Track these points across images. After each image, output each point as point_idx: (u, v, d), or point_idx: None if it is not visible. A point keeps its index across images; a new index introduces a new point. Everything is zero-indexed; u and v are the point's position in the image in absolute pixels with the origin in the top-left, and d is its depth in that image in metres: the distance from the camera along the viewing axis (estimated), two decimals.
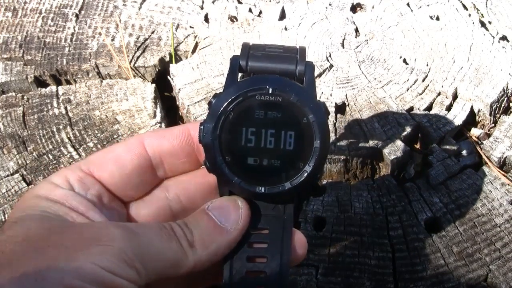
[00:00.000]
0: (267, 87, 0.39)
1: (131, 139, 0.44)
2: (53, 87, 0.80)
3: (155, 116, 0.75)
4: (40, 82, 0.83)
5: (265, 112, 0.40)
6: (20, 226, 0.37)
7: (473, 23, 0.83)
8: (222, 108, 0.40)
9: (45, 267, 0.32)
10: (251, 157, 0.40)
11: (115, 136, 0.73)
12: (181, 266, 0.36)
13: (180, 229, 0.38)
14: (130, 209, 0.44)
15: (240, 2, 0.92)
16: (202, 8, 0.92)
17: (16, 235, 0.36)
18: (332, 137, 0.70)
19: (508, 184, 0.66)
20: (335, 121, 0.72)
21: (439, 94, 0.75)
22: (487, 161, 0.69)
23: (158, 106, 0.77)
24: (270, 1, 0.92)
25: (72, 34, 0.87)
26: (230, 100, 0.40)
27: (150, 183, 0.45)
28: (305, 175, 0.40)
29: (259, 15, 0.89)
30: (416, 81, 0.76)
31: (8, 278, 0.31)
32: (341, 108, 0.74)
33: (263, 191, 0.40)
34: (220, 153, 0.40)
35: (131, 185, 0.43)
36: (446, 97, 0.74)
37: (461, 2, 0.88)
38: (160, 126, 0.74)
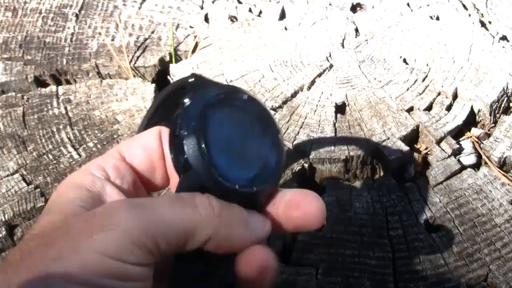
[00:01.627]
0: None
1: (152, 129, 0.42)
2: (53, 87, 0.80)
3: None
4: (40, 82, 0.83)
5: None
6: (41, 218, 0.36)
7: (473, 23, 0.83)
8: None
9: (50, 262, 0.31)
10: None
11: (115, 136, 0.73)
12: (196, 233, 0.34)
13: (207, 199, 0.36)
14: None
15: (240, 2, 0.92)
16: (202, 8, 0.92)
17: (34, 228, 0.35)
18: (333, 137, 0.70)
19: (508, 184, 0.66)
20: (335, 121, 0.72)
21: (439, 94, 0.75)
22: (487, 161, 0.69)
23: None
24: (270, 1, 0.92)
25: (72, 34, 0.87)
26: None
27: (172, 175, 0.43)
28: None
29: (259, 15, 0.89)
30: (416, 81, 0.76)
31: (16, 281, 0.30)
32: (341, 108, 0.74)
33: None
34: None
35: (157, 173, 0.42)
36: (446, 97, 0.74)
37: (461, 2, 0.88)
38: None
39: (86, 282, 0.30)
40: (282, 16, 0.88)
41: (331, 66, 0.80)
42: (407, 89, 0.75)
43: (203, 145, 0.35)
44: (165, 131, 0.41)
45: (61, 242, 0.32)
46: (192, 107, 0.36)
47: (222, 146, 0.37)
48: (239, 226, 0.36)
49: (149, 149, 0.41)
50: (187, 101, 0.37)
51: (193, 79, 0.39)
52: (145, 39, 0.86)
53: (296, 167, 0.68)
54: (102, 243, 0.31)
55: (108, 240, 0.31)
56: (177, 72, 0.80)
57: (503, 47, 0.80)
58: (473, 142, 0.71)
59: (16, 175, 0.69)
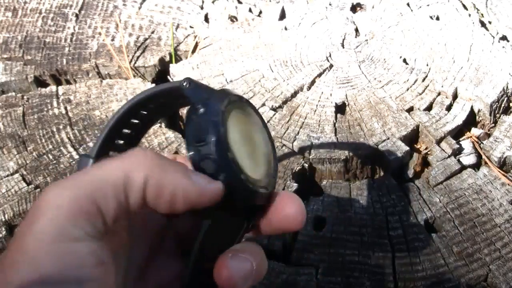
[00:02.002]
0: None
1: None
2: (53, 87, 0.80)
3: None
4: (40, 82, 0.83)
5: None
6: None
7: (473, 23, 0.83)
8: None
9: (7, 270, 0.29)
10: None
11: None
12: (131, 179, 0.32)
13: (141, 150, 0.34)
14: None
15: (240, 2, 0.92)
16: (202, 8, 0.92)
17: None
18: (332, 137, 0.70)
19: (508, 184, 0.66)
20: (335, 121, 0.72)
21: (439, 94, 0.75)
22: (487, 161, 0.69)
23: None
24: (270, 1, 0.92)
25: (72, 34, 0.87)
26: None
27: None
28: None
29: (259, 15, 0.89)
30: (416, 81, 0.76)
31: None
32: (341, 108, 0.74)
33: None
34: None
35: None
36: (446, 97, 0.74)
37: (461, 2, 0.88)
38: (160, 126, 0.74)
39: (38, 281, 0.28)
40: (282, 16, 0.88)
41: (331, 66, 0.80)
42: (407, 89, 0.75)
43: (233, 150, 0.35)
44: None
45: (12, 249, 0.30)
46: (211, 114, 0.35)
47: (240, 152, 0.36)
48: (176, 171, 0.33)
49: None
50: (200, 108, 0.36)
51: (187, 84, 0.38)
52: (145, 39, 0.86)
53: (296, 167, 0.68)
54: (40, 229, 0.29)
55: (45, 224, 0.29)
56: (177, 72, 0.80)
57: (503, 47, 0.80)
58: (473, 142, 0.71)
59: (16, 175, 0.69)
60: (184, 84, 0.36)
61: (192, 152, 0.35)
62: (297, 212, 0.38)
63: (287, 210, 0.38)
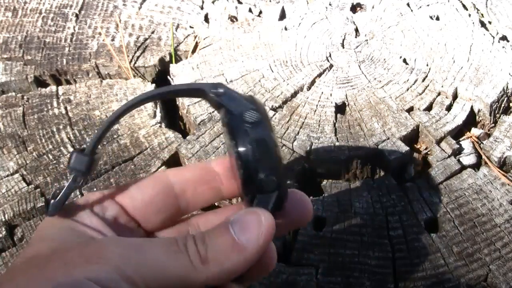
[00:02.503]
0: None
1: (155, 173, 0.44)
2: (53, 87, 0.80)
3: (155, 116, 0.75)
4: (40, 82, 0.83)
5: None
6: (31, 245, 0.38)
7: (473, 23, 0.83)
8: None
9: (44, 283, 0.32)
10: None
11: (115, 136, 0.73)
12: (190, 282, 0.34)
13: (194, 244, 0.36)
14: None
15: (240, 2, 0.92)
16: (202, 8, 0.92)
17: (26, 252, 0.36)
18: (332, 137, 0.70)
19: (508, 184, 0.66)
20: (335, 121, 0.72)
21: (439, 94, 0.75)
22: (487, 161, 0.69)
23: (158, 106, 0.77)
24: (270, 1, 0.92)
25: (72, 34, 0.87)
26: None
27: (173, 212, 0.44)
28: None
29: (259, 15, 0.89)
30: (416, 81, 0.76)
31: None
32: (341, 108, 0.74)
33: None
34: None
35: (153, 210, 0.43)
36: (446, 97, 0.74)
37: (461, 2, 0.88)
38: (160, 126, 0.74)
39: None
40: (282, 16, 0.88)
41: (331, 66, 0.80)
42: (407, 89, 0.75)
43: (277, 158, 0.38)
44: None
45: (56, 267, 0.33)
46: (265, 134, 0.38)
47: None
48: (229, 257, 0.35)
49: (143, 187, 0.43)
50: (248, 126, 0.38)
51: (222, 90, 0.39)
52: (145, 39, 0.86)
53: (296, 167, 0.68)
54: (94, 272, 0.32)
55: (101, 271, 0.32)
56: (177, 72, 0.80)
57: (503, 47, 0.80)
58: (473, 142, 0.71)
59: (16, 175, 0.69)
60: (219, 90, 0.38)
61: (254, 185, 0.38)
62: (308, 208, 0.42)
63: (299, 207, 0.41)
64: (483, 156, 0.70)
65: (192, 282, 0.34)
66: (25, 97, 0.78)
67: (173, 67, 0.81)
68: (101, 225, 0.40)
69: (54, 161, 0.71)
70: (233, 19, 0.89)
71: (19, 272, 0.34)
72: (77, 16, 0.90)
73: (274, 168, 0.38)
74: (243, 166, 0.37)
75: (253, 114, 0.37)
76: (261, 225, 0.36)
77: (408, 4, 0.88)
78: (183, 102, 0.76)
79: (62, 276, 0.32)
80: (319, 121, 0.72)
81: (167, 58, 0.84)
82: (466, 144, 0.71)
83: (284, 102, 0.75)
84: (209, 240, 0.36)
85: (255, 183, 0.37)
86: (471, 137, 0.72)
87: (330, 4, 0.89)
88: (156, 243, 0.36)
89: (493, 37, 0.81)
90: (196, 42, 0.87)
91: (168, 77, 0.81)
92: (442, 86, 0.75)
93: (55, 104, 0.77)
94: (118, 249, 0.34)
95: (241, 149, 0.37)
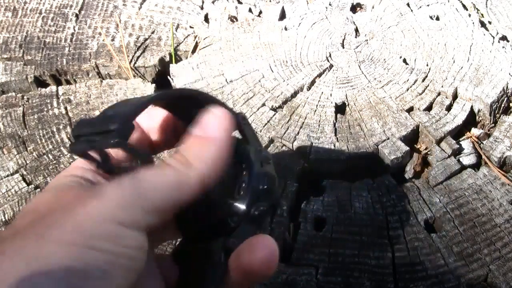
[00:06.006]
0: None
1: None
2: (53, 87, 0.80)
3: None
4: (40, 82, 0.83)
5: None
6: (35, 197, 0.37)
7: (473, 23, 0.83)
8: None
9: (46, 229, 0.31)
10: None
11: None
12: (185, 186, 0.36)
13: (173, 158, 0.38)
14: None
15: (240, 2, 0.92)
16: (202, 8, 0.92)
17: (28, 206, 0.37)
18: (332, 137, 0.70)
19: (508, 184, 0.66)
20: (335, 121, 0.72)
21: (439, 94, 0.75)
22: (487, 161, 0.69)
23: None
24: (270, 1, 0.92)
25: (72, 34, 0.87)
26: None
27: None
28: None
29: (259, 15, 0.89)
30: (416, 81, 0.76)
31: (11, 248, 0.31)
32: (341, 108, 0.74)
33: None
34: None
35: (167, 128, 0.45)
36: (446, 97, 0.74)
37: (461, 2, 0.88)
38: None
39: (82, 245, 0.31)
40: (282, 16, 0.88)
41: (331, 66, 0.80)
42: (407, 89, 0.75)
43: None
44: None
45: (57, 212, 0.33)
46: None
47: None
48: (205, 151, 0.38)
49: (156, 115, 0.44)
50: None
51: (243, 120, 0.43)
52: (145, 39, 0.86)
53: (296, 167, 0.68)
54: (96, 208, 0.32)
55: (103, 205, 0.32)
56: (177, 72, 0.80)
57: (503, 47, 0.80)
58: (473, 142, 0.71)
59: (16, 175, 0.69)
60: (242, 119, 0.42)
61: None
62: (270, 255, 0.40)
63: (260, 253, 0.39)
64: (483, 156, 0.70)
65: (190, 187, 0.36)
66: (25, 97, 0.78)
67: (173, 67, 0.81)
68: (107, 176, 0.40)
69: (54, 161, 0.71)
70: (233, 19, 0.89)
71: (22, 223, 0.34)
72: (77, 16, 0.90)
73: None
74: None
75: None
76: (216, 116, 0.39)
77: (408, 4, 0.88)
78: None
79: (63, 218, 0.32)
80: (319, 121, 0.72)
81: (167, 58, 0.84)
82: (466, 144, 0.71)
83: (284, 102, 0.75)
84: (182, 149, 0.38)
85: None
86: (471, 137, 0.72)
87: (330, 4, 0.89)
88: (147, 171, 0.36)
89: (493, 37, 0.81)
90: (196, 42, 0.87)
91: (168, 77, 0.81)
92: (442, 86, 0.75)
93: (55, 104, 0.77)
94: (115, 183, 0.34)
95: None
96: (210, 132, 0.38)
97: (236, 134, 0.42)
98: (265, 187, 0.40)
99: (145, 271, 0.37)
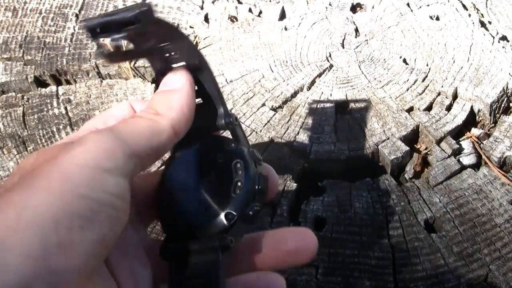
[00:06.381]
0: None
1: (122, 102, 0.46)
2: (53, 87, 0.80)
3: None
4: (40, 82, 0.83)
5: None
6: (21, 161, 0.39)
7: (473, 23, 0.83)
8: None
9: (33, 180, 0.32)
10: None
11: None
12: (159, 131, 0.38)
13: (144, 111, 0.40)
14: None
15: (240, 2, 0.92)
16: (202, 8, 0.92)
17: (14, 170, 0.38)
18: (332, 137, 0.70)
19: (508, 184, 0.66)
20: (335, 121, 0.72)
21: (439, 94, 0.75)
22: (487, 161, 0.69)
23: None
24: (270, 1, 0.92)
25: (72, 34, 0.87)
26: None
27: None
28: None
29: (259, 15, 0.89)
30: (416, 81, 0.76)
31: None
32: (341, 108, 0.74)
33: None
34: None
35: None
36: (446, 97, 0.74)
37: (461, 2, 0.88)
38: None
39: (69, 192, 0.31)
40: (282, 16, 0.88)
41: (331, 66, 0.80)
42: (407, 89, 0.75)
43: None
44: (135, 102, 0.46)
45: (42, 165, 0.33)
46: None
47: None
48: (171, 100, 0.41)
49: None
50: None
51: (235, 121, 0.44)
52: None
53: (296, 167, 0.68)
54: (80, 155, 0.33)
55: (86, 151, 0.33)
56: None
57: (503, 47, 0.80)
58: (473, 142, 0.71)
59: None
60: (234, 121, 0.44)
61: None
62: (310, 243, 0.42)
63: (301, 242, 0.42)
64: (483, 156, 0.70)
65: (163, 131, 0.38)
66: (25, 97, 0.78)
67: None
68: None
69: None
70: (233, 19, 0.89)
71: (9, 182, 0.34)
72: (77, 16, 0.90)
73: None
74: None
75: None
76: (176, 72, 0.43)
77: (408, 4, 0.88)
78: None
79: (48, 169, 0.32)
80: (319, 121, 0.72)
81: None
82: (466, 144, 0.71)
83: (284, 102, 0.75)
84: (151, 103, 0.41)
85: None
86: (471, 137, 0.72)
87: (330, 4, 0.89)
88: (121, 123, 0.38)
89: (493, 37, 0.81)
90: (196, 42, 0.87)
91: None
92: (442, 86, 0.75)
93: (55, 104, 0.77)
94: (94, 132, 0.35)
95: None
96: (173, 85, 0.42)
97: (227, 134, 0.43)
98: (260, 187, 0.40)
99: (134, 254, 0.38)
